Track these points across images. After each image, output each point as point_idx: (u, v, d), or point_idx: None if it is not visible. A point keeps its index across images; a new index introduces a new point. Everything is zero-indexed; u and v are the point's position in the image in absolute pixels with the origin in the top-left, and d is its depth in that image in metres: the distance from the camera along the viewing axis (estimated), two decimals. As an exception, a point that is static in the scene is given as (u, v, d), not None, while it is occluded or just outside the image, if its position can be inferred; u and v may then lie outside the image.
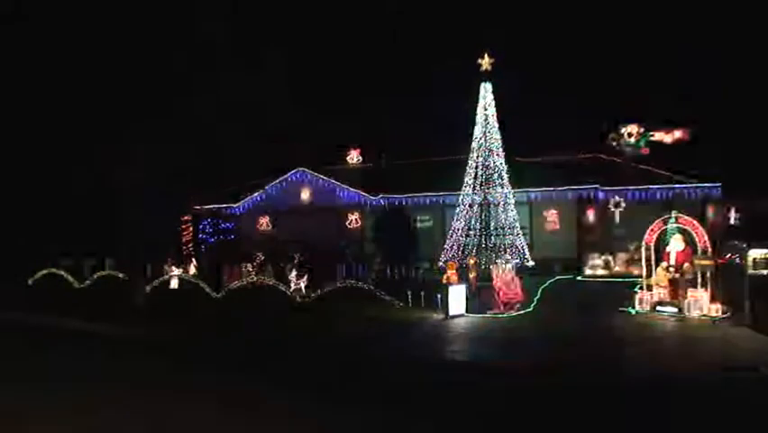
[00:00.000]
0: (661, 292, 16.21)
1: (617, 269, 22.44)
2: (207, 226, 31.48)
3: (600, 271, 22.48)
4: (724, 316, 14.77)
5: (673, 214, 16.47)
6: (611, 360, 11.36)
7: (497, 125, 24.86)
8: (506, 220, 24.34)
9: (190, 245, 32.57)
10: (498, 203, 24.40)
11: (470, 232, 24.43)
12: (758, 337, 12.86)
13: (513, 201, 24.95)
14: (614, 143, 29.17)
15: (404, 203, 30.15)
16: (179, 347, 14.07)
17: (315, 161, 33.25)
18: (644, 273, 17.06)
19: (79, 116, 34.18)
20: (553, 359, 11.51)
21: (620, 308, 16.51)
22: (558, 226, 27.82)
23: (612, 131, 29.33)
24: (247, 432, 7.87)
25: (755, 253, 14.74)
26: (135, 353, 13.43)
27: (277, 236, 31.24)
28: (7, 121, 34.68)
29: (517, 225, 24.75)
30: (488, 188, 24.31)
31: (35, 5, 35.53)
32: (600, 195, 27.56)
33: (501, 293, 16.85)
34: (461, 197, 24.95)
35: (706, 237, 15.68)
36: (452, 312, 16.18)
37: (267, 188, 33.48)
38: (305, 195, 32.86)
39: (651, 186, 26.82)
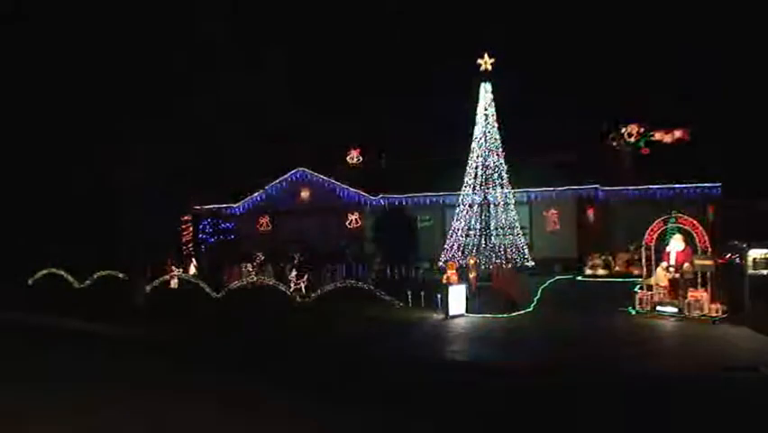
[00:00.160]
0: (661, 292, 16.22)
1: (617, 269, 22.43)
2: (207, 226, 31.44)
3: (600, 271, 22.46)
4: (724, 316, 14.77)
5: (673, 214, 16.49)
6: (611, 360, 11.36)
7: (497, 125, 24.87)
8: (506, 220, 24.33)
9: (190, 245, 32.57)
10: (498, 203, 24.39)
11: (470, 232, 24.42)
12: (758, 337, 12.88)
13: (513, 201, 24.95)
14: (614, 143, 29.14)
15: (404, 203, 30.13)
16: (179, 347, 14.07)
17: (314, 161, 33.19)
18: (644, 273, 17.07)
19: (79, 116, 34.12)
20: (553, 359, 11.52)
21: (620, 308, 16.53)
22: (558, 226, 27.78)
23: (612, 131, 29.29)
24: (247, 432, 7.87)
25: (755, 253, 14.80)
26: (135, 353, 13.43)
27: (277, 236, 31.25)
28: (7, 121, 34.67)
29: (517, 225, 24.74)
30: (488, 188, 24.31)
31: (35, 5, 35.45)
32: (600, 195, 27.55)
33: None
34: (461, 197, 24.93)
35: (706, 237, 15.69)
36: (452, 312, 16.20)
37: (267, 188, 33.45)
38: (305, 195, 32.84)
39: (651, 186, 26.80)
